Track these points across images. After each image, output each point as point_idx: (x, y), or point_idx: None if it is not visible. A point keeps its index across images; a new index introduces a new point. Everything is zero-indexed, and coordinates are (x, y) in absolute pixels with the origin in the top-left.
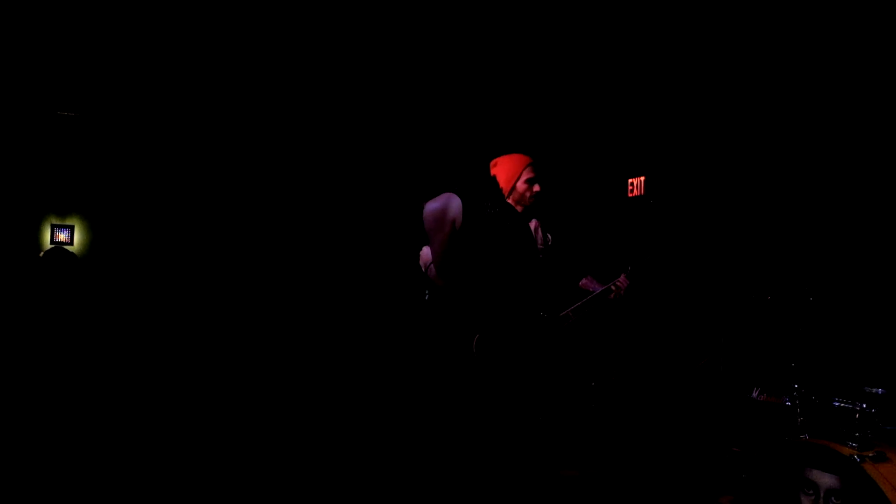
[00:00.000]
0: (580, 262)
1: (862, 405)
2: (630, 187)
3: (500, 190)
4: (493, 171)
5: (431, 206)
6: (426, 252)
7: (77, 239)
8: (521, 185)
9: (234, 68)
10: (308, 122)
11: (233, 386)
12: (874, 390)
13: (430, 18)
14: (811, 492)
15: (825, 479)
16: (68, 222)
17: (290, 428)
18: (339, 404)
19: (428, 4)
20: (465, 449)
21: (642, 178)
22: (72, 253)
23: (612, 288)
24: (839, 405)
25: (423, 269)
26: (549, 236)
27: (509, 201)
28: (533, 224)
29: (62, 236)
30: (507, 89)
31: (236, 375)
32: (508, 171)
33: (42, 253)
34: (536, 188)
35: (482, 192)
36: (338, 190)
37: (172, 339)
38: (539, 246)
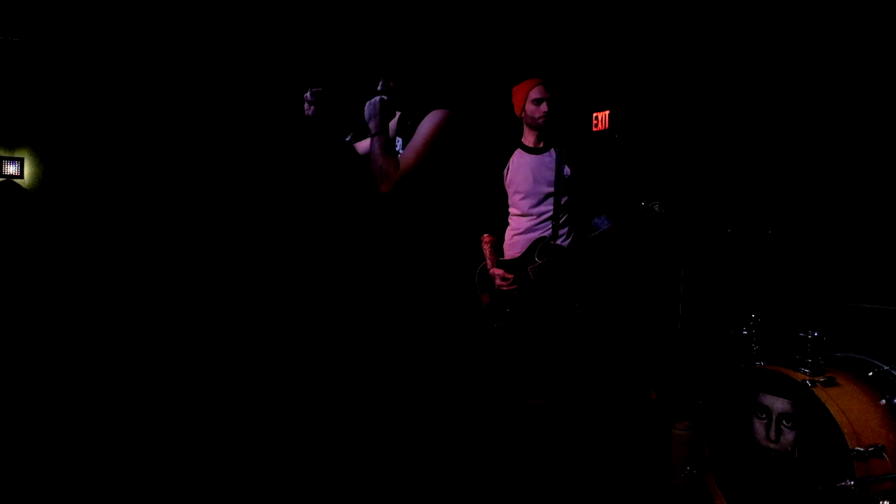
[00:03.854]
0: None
1: (814, 333)
2: (594, 121)
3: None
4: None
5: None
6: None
7: (27, 172)
8: (529, 107)
9: None
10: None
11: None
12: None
13: None
14: (764, 416)
15: (777, 404)
16: (17, 155)
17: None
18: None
19: None
20: (439, 378)
21: (607, 112)
22: (21, 187)
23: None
24: (793, 334)
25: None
26: (569, 168)
27: (525, 129)
28: (553, 154)
29: (11, 169)
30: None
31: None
32: (517, 96)
33: None
34: (544, 108)
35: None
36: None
37: (126, 275)
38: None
